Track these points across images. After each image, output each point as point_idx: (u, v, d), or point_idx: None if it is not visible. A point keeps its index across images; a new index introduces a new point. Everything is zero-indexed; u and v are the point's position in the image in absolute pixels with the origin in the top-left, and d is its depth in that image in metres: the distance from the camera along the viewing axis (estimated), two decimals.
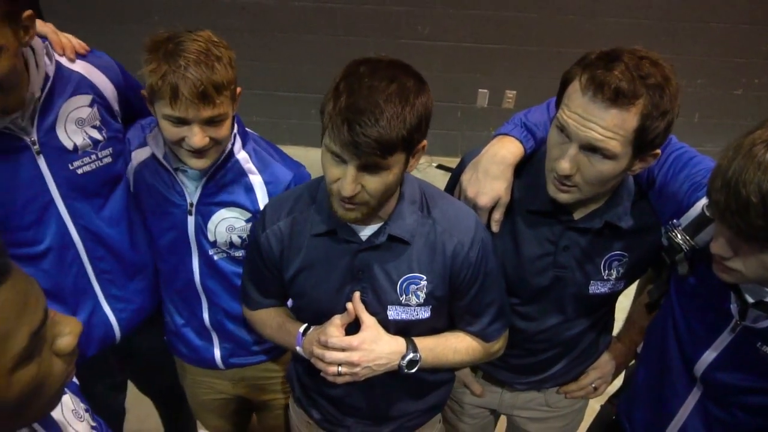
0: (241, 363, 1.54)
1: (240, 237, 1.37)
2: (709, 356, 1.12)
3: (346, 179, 1.01)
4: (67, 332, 0.64)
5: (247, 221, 1.36)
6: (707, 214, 1.06)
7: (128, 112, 1.38)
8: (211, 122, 1.20)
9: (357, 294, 1.16)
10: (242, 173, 1.34)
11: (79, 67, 1.26)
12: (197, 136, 1.18)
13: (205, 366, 1.56)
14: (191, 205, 1.34)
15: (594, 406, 1.63)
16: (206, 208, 1.34)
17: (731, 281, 1.00)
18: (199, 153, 1.22)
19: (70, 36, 1.28)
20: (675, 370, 1.20)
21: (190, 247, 1.39)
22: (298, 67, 3.86)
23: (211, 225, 1.35)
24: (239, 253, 1.40)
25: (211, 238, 1.36)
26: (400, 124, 0.97)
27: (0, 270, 0.55)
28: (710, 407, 1.16)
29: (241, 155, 1.34)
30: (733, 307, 1.06)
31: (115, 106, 1.32)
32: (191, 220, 1.36)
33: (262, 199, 1.35)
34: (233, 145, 1.31)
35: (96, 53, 1.32)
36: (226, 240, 1.36)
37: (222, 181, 1.33)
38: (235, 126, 1.32)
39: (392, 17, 3.70)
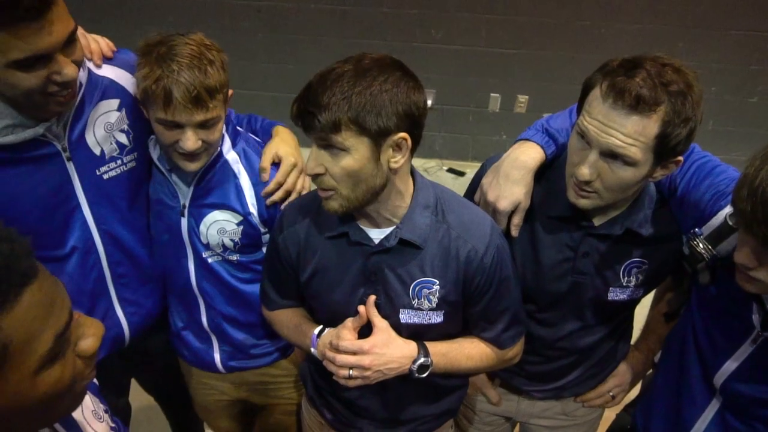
0: (242, 367, 1.54)
1: (232, 240, 1.36)
2: (729, 367, 1.11)
3: (310, 157, 1.03)
4: (90, 334, 0.63)
5: (239, 224, 1.35)
6: (730, 223, 1.05)
7: None
8: (204, 126, 1.20)
9: (372, 297, 1.15)
10: (232, 174, 1.34)
11: (106, 71, 1.26)
12: (190, 140, 1.19)
13: (207, 369, 1.56)
14: (184, 207, 1.34)
15: (607, 414, 1.61)
16: (198, 210, 1.34)
17: (754, 291, 0.99)
18: (191, 156, 1.23)
19: (98, 37, 1.27)
20: (694, 380, 1.19)
21: (185, 248, 1.39)
22: (312, 69, 3.84)
23: (203, 227, 1.35)
24: (234, 257, 1.39)
25: (203, 240, 1.36)
26: (345, 104, 0.97)
27: (27, 272, 0.55)
28: (729, 419, 1.14)
29: (231, 156, 1.34)
30: (756, 318, 1.05)
31: None
32: (184, 222, 1.36)
33: (251, 201, 1.34)
34: (222, 145, 1.31)
35: (122, 52, 1.31)
36: (219, 242, 1.36)
37: (212, 183, 1.33)
38: (223, 126, 1.31)
39: (406, 20, 3.70)
